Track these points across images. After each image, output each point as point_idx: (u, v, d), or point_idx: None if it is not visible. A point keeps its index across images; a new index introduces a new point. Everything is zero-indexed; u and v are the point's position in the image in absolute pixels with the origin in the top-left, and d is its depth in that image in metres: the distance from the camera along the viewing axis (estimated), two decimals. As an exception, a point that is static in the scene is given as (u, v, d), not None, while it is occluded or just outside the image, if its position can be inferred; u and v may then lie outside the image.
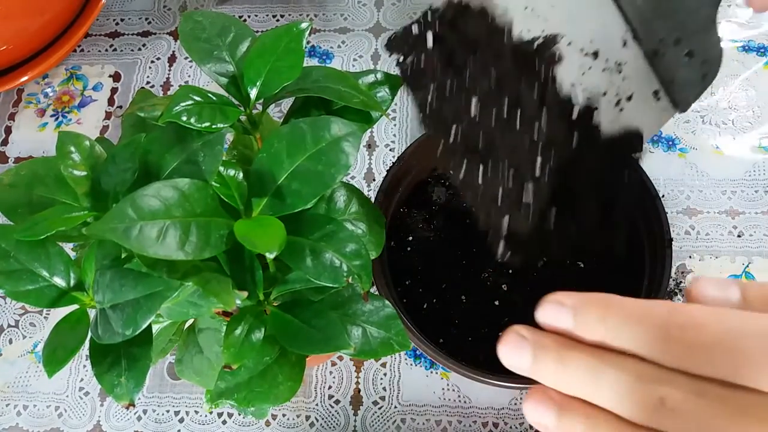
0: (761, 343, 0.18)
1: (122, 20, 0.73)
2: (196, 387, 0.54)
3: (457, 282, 0.50)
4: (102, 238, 0.30)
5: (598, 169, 0.38)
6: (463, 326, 0.48)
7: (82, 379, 0.55)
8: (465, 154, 0.36)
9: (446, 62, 0.35)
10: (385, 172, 0.50)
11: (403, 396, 0.52)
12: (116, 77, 0.69)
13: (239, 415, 0.53)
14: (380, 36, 0.69)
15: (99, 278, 0.30)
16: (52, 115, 0.67)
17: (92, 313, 0.32)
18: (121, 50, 0.71)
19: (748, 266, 0.54)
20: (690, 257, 0.55)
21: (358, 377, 0.53)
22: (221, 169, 0.31)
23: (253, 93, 0.34)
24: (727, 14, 0.66)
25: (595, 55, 0.35)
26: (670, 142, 0.60)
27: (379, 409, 0.52)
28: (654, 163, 0.59)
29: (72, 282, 0.32)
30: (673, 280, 0.54)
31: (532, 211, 0.36)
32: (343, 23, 0.70)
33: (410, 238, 0.51)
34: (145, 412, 0.53)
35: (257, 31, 0.67)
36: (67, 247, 0.55)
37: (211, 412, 0.53)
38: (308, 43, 0.69)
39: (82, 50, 0.71)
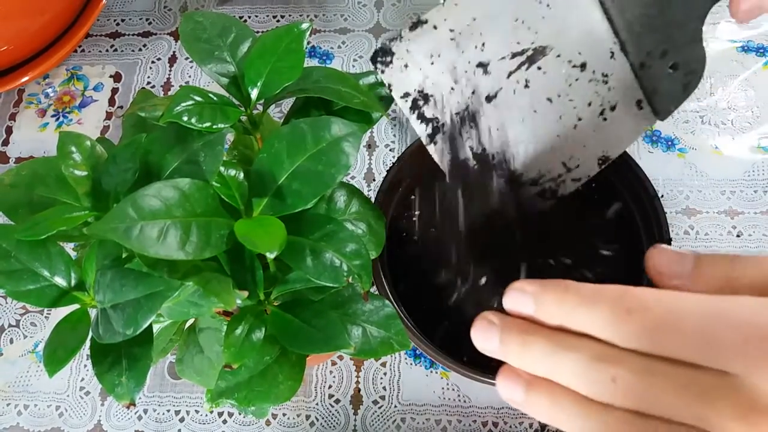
0: (701, 322, 0.20)
1: (123, 21, 0.73)
2: (196, 386, 0.54)
3: (456, 282, 0.50)
4: (103, 237, 0.30)
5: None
6: (463, 326, 0.48)
7: (82, 379, 0.55)
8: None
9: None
10: (385, 172, 0.50)
11: (403, 395, 0.52)
12: (117, 77, 0.69)
13: (239, 414, 0.53)
14: (380, 36, 0.69)
15: (100, 278, 0.30)
16: (52, 116, 0.67)
17: (93, 313, 0.32)
18: (122, 50, 0.71)
19: (747, 266, 0.54)
20: (689, 257, 0.55)
21: (358, 377, 0.53)
22: (222, 169, 0.31)
23: (253, 93, 0.34)
24: (726, 14, 0.66)
25: (583, 66, 0.35)
26: (669, 143, 0.60)
27: (379, 408, 0.52)
28: (653, 163, 0.59)
29: (73, 282, 0.32)
30: (673, 280, 0.54)
31: None
32: (344, 24, 0.70)
33: (410, 238, 0.51)
34: (145, 411, 0.53)
35: (258, 32, 0.67)
36: (68, 247, 0.55)
37: (211, 412, 0.53)
38: (309, 43, 0.69)
39: (83, 50, 0.71)
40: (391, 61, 0.36)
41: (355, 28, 0.70)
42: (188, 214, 0.29)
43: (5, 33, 0.61)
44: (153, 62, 0.70)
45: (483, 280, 0.50)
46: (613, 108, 0.37)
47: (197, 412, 0.53)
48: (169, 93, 0.68)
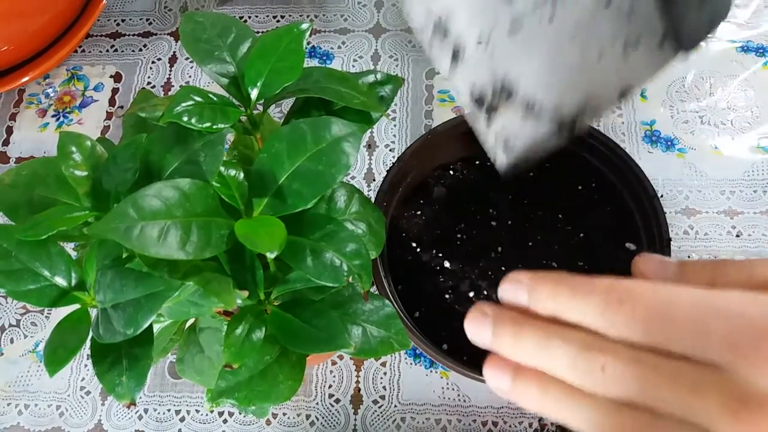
0: (691, 313, 0.20)
1: (123, 21, 0.73)
2: (196, 386, 0.54)
3: (456, 281, 0.50)
4: (103, 237, 0.30)
5: None
6: (463, 325, 0.48)
7: (83, 379, 0.55)
8: None
9: None
10: (385, 172, 0.50)
11: (403, 395, 0.52)
12: (117, 78, 0.69)
13: (240, 414, 0.53)
14: (380, 37, 0.69)
15: (100, 278, 0.30)
16: (53, 116, 0.67)
17: (93, 313, 0.32)
18: (122, 51, 0.71)
19: (747, 266, 0.55)
20: (689, 257, 0.55)
21: (358, 376, 0.53)
22: (222, 169, 0.31)
23: (253, 93, 0.34)
24: (726, 15, 0.66)
25: (609, 2, 0.34)
26: (669, 143, 0.60)
27: (379, 408, 0.52)
28: (653, 163, 0.59)
29: (73, 282, 0.33)
30: (672, 279, 0.54)
31: None
32: (344, 24, 0.70)
33: (410, 238, 0.52)
34: (146, 411, 0.53)
35: (258, 32, 0.67)
36: (68, 247, 0.55)
37: (211, 411, 0.53)
38: (309, 43, 0.69)
39: (83, 51, 0.71)
40: None
41: (355, 29, 0.70)
42: (188, 214, 0.29)
43: (5, 33, 0.61)
44: (153, 62, 0.70)
45: (483, 281, 0.50)
46: (636, 44, 0.36)
47: (198, 411, 0.53)
48: (170, 93, 0.68)
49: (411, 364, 0.53)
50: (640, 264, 0.25)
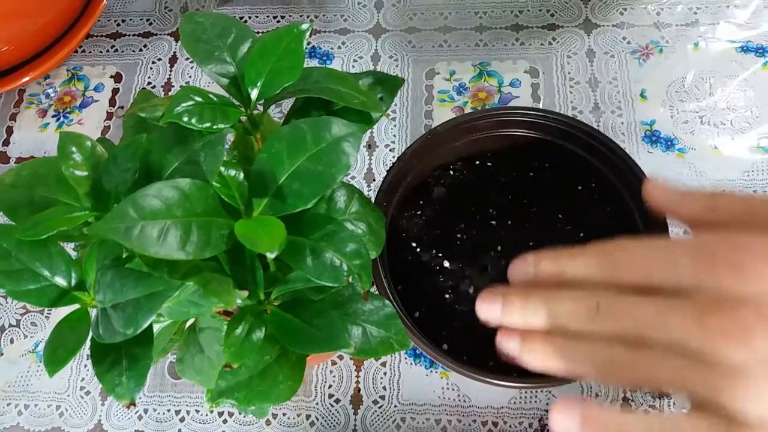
0: (660, 253, 0.24)
1: (123, 21, 0.73)
2: (196, 386, 0.54)
3: (456, 281, 0.50)
4: (103, 237, 0.30)
5: None
6: (463, 325, 0.48)
7: (83, 379, 0.55)
8: None
9: None
10: (385, 172, 0.50)
11: (403, 395, 0.52)
12: (117, 78, 0.69)
13: (240, 414, 0.53)
14: (380, 37, 0.69)
15: (100, 278, 0.30)
16: (53, 116, 0.68)
17: (93, 313, 0.32)
18: (123, 51, 0.71)
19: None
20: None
21: (358, 376, 0.53)
22: (222, 169, 0.31)
23: (253, 94, 0.34)
24: (725, 15, 0.67)
25: None
26: (669, 143, 0.60)
27: (379, 408, 0.52)
28: (652, 163, 0.59)
29: (73, 282, 0.33)
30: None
31: None
32: (344, 24, 0.70)
33: (410, 238, 0.52)
34: (146, 411, 0.53)
35: (258, 32, 0.67)
36: (68, 247, 0.55)
37: (211, 411, 0.53)
38: (309, 44, 0.69)
39: (84, 51, 0.71)
40: None
41: (355, 29, 0.70)
42: (188, 214, 0.29)
43: (6, 33, 0.62)
44: (153, 63, 0.70)
45: (483, 280, 0.50)
46: None
47: (197, 411, 0.53)
48: (170, 93, 0.68)
49: (411, 364, 0.53)
50: (649, 187, 0.29)
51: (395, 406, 0.52)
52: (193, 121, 0.31)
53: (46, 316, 0.58)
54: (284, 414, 0.52)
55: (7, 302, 0.59)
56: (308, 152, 0.31)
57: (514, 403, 0.51)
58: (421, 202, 0.53)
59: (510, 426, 0.50)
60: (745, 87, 0.62)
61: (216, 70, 0.35)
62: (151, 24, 0.73)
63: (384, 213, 0.46)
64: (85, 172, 0.32)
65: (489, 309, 0.27)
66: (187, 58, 0.70)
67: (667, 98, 0.62)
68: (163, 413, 0.53)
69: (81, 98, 0.68)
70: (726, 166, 0.59)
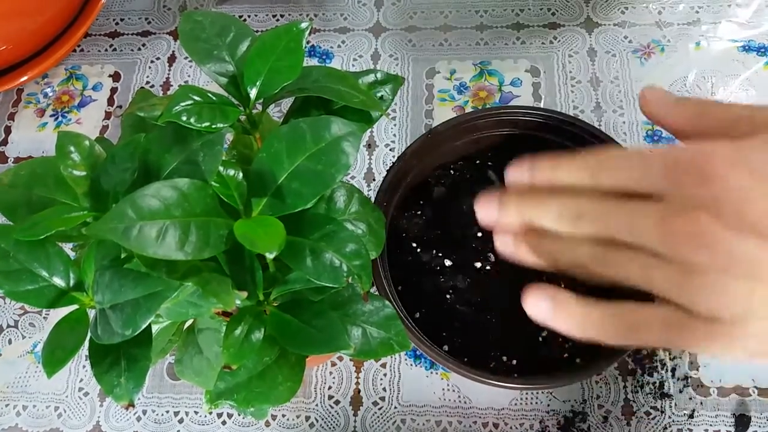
0: (636, 159, 0.25)
1: (122, 20, 0.73)
2: (195, 387, 0.54)
3: (457, 282, 0.50)
4: (102, 238, 0.30)
5: None
6: (463, 326, 0.48)
7: (81, 380, 0.55)
8: None
9: None
10: (385, 172, 0.50)
11: (403, 396, 0.52)
12: (116, 77, 0.69)
13: (239, 415, 0.52)
14: (380, 36, 0.69)
15: (98, 278, 0.30)
16: (51, 115, 0.67)
17: (92, 314, 0.32)
18: (121, 50, 0.71)
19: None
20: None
21: (358, 378, 0.53)
22: (221, 168, 0.31)
23: (252, 93, 0.34)
24: (727, 14, 0.66)
25: None
26: (671, 142, 0.60)
27: (379, 409, 0.52)
28: (654, 163, 0.59)
29: (71, 282, 0.32)
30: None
31: None
32: (343, 23, 0.70)
33: (410, 238, 0.51)
34: (144, 412, 0.53)
35: (257, 31, 0.67)
36: (67, 247, 0.55)
37: (210, 413, 0.53)
38: (308, 42, 0.69)
39: (82, 50, 0.71)
40: None
41: (355, 28, 0.70)
42: (187, 214, 0.29)
43: (4, 32, 0.61)
44: (152, 62, 0.70)
45: (484, 281, 0.50)
46: None
47: (196, 413, 0.53)
48: (169, 92, 0.67)
49: (411, 365, 0.53)
50: (645, 95, 0.30)
51: (395, 408, 0.52)
52: (192, 120, 0.31)
53: (44, 317, 0.58)
54: (284, 415, 0.52)
55: (5, 303, 0.59)
56: (308, 152, 0.31)
57: (515, 404, 0.51)
58: (421, 202, 0.53)
59: (511, 427, 0.50)
60: (746, 86, 0.62)
61: (215, 69, 0.35)
62: (149, 23, 0.72)
63: (384, 213, 0.46)
64: (83, 172, 0.32)
65: (487, 207, 0.29)
66: (185, 57, 0.69)
67: (668, 98, 0.62)
68: (162, 414, 0.53)
69: (79, 98, 0.68)
70: (727, 166, 0.58)
